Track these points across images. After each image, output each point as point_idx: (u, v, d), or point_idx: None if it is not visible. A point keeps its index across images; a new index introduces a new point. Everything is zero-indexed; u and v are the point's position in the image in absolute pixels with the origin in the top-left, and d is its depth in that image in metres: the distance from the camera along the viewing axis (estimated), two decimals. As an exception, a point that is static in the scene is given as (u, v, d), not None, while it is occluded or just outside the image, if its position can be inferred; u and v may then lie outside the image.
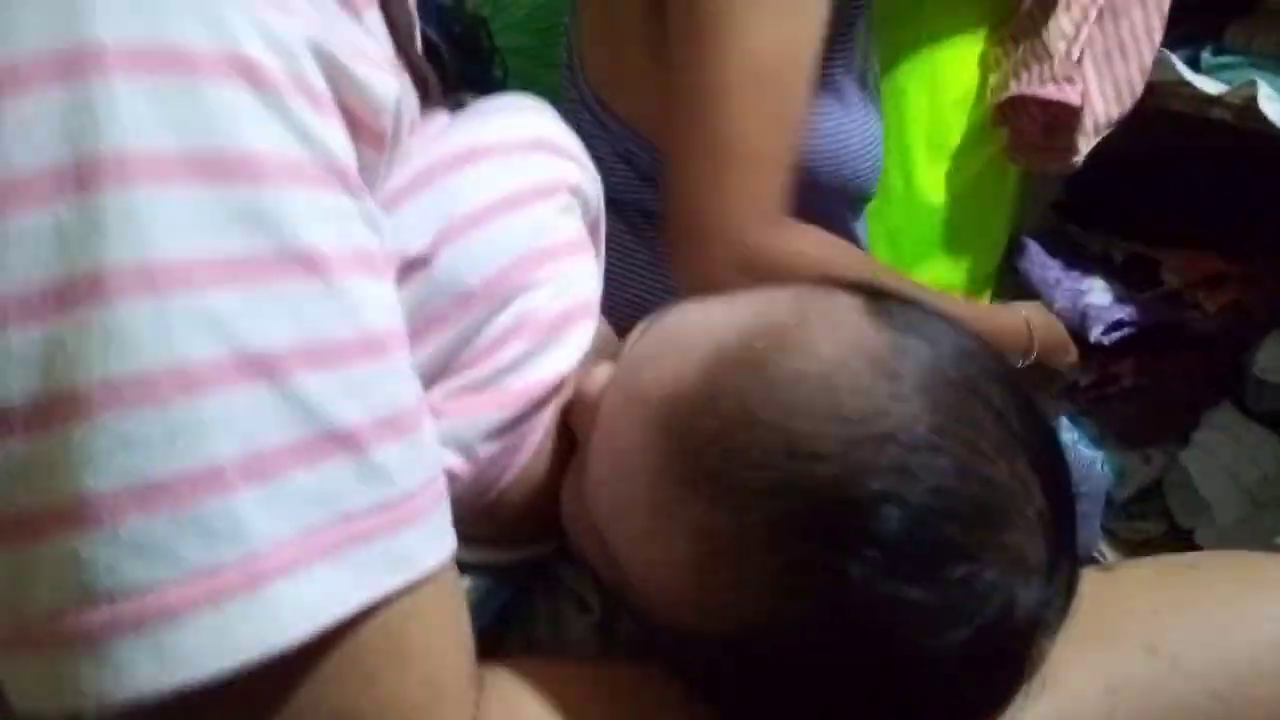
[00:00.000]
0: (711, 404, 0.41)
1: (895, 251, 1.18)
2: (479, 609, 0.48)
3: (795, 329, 0.43)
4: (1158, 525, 1.36)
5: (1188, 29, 1.13)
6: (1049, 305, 1.33)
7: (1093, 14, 1.09)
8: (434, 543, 0.36)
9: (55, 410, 0.29)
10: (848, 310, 0.44)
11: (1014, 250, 1.38)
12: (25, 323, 0.29)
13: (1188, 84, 1.12)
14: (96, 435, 0.29)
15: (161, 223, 0.30)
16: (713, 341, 0.43)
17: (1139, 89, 1.14)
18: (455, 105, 0.50)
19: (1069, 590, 0.43)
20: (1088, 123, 1.15)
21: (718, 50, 0.73)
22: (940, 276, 1.22)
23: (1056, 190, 1.39)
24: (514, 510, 0.48)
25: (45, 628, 0.30)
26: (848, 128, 0.90)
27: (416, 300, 0.42)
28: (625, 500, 0.44)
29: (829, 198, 0.91)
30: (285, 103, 0.32)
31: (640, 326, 0.51)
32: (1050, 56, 1.12)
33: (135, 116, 0.30)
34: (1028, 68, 1.14)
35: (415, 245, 0.42)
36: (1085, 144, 1.16)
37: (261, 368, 0.31)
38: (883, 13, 1.20)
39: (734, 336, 0.43)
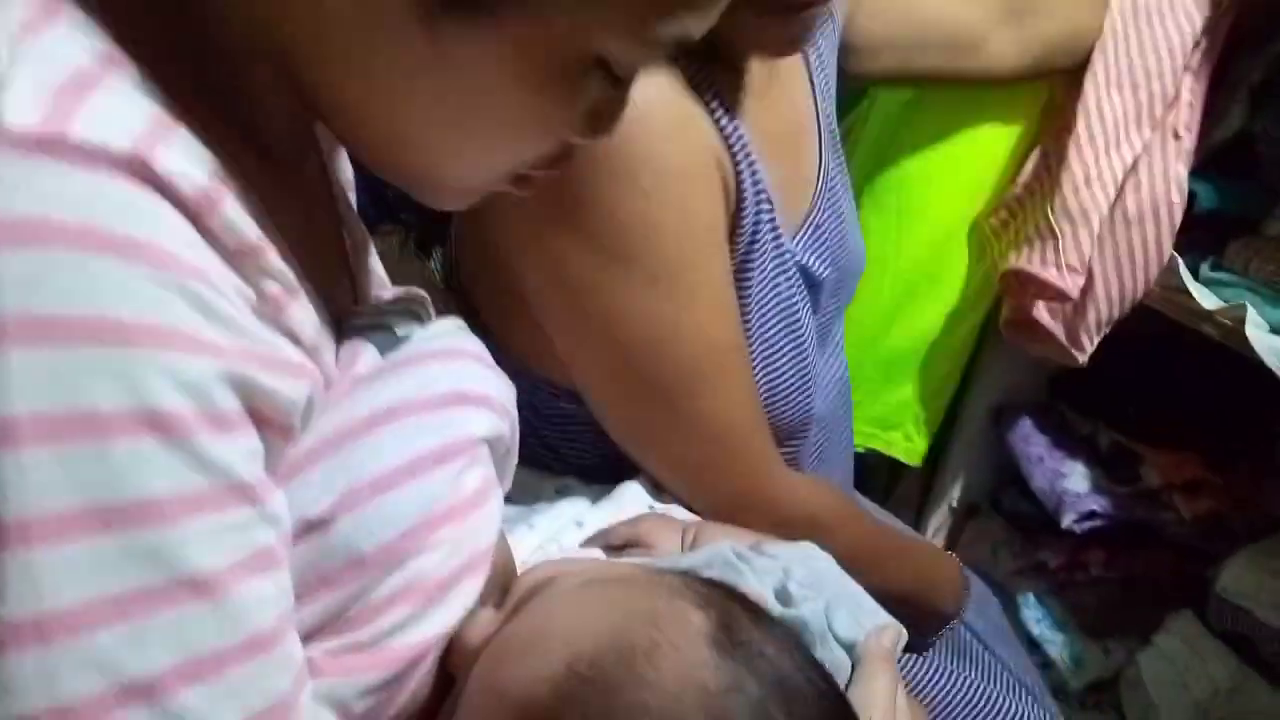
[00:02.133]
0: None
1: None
2: None
3: (643, 655, 0.47)
4: (1108, 718, 1.33)
5: (1192, 238, 1.13)
6: (1028, 480, 1.33)
7: (1103, 203, 1.10)
8: None
9: None
10: (695, 637, 0.48)
11: (1003, 421, 1.38)
12: None
13: (1186, 292, 1.12)
14: None
15: (57, 577, 0.33)
16: (569, 652, 0.47)
17: (1140, 294, 1.14)
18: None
19: None
20: (1090, 319, 1.16)
21: (675, 341, 0.73)
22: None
23: (1055, 366, 1.38)
24: None
25: None
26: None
27: (310, 560, 0.45)
28: None
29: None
30: (192, 441, 0.36)
31: (524, 586, 0.55)
32: (1055, 237, 1.12)
33: (42, 483, 0.33)
34: (1030, 244, 1.15)
35: (315, 509, 0.45)
36: (1089, 340, 1.16)
37: (141, 692, 0.35)
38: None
39: (589, 649, 0.47)
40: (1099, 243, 1.12)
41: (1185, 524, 1.26)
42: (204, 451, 0.36)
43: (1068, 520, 1.28)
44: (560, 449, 0.85)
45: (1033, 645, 1.36)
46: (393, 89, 0.44)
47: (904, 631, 0.61)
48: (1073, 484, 1.30)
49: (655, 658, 0.47)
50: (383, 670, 0.47)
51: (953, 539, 1.46)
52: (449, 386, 0.51)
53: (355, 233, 0.61)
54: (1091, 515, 1.28)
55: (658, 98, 0.70)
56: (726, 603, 0.51)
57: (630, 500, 0.77)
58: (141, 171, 0.36)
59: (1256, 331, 1.08)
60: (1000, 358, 1.36)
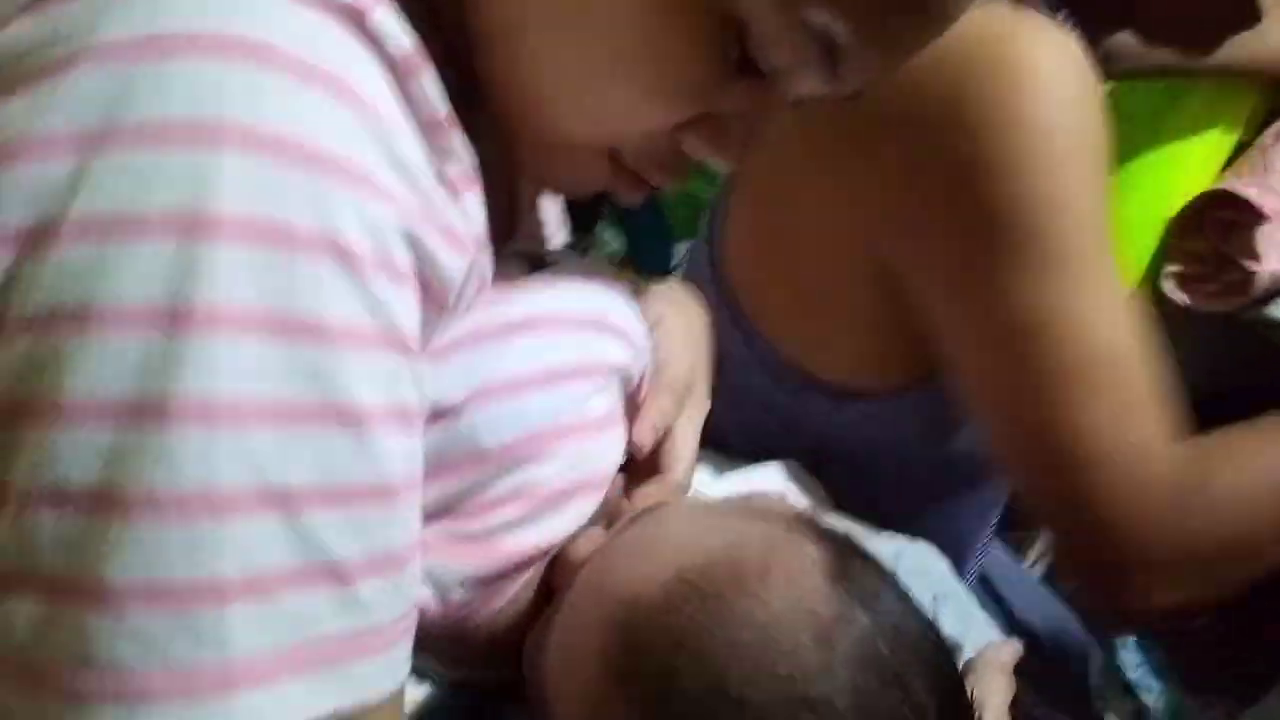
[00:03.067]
0: (663, 620, 0.45)
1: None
2: (432, 714, 0.52)
3: (755, 572, 0.46)
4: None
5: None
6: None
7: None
8: (388, 674, 0.40)
9: (102, 504, 0.34)
10: (810, 566, 0.48)
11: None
12: (99, 425, 0.34)
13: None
14: (128, 535, 0.34)
15: (231, 368, 0.34)
16: (681, 560, 0.47)
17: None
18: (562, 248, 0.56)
19: None
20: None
21: (1084, 281, 0.64)
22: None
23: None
24: (480, 640, 0.51)
25: (40, 674, 0.34)
26: None
27: (437, 445, 0.46)
28: (568, 679, 0.49)
29: None
30: (366, 279, 0.37)
31: (632, 512, 0.55)
32: (1269, 171, 1.06)
33: (233, 278, 0.35)
34: (1238, 174, 1.09)
35: (450, 397, 0.46)
36: (1269, 262, 1.05)
37: (280, 500, 0.35)
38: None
39: (701, 560, 0.47)
40: None
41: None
42: (376, 292, 0.38)
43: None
44: (766, 443, 0.80)
45: (1127, 691, 1.29)
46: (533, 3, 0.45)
47: (1021, 650, 0.59)
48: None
49: (768, 577, 0.46)
50: (486, 563, 0.48)
51: (1056, 569, 1.40)
52: (592, 310, 0.53)
53: (530, 189, 0.62)
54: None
55: (1083, 69, 0.63)
56: (844, 545, 0.51)
57: (763, 480, 0.76)
58: (358, 21, 0.38)
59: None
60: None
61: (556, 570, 0.52)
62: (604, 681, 0.46)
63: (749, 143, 0.49)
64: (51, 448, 0.34)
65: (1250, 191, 1.04)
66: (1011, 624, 1.07)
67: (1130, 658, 1.31)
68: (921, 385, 0.77)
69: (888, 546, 0.60)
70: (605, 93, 0.46)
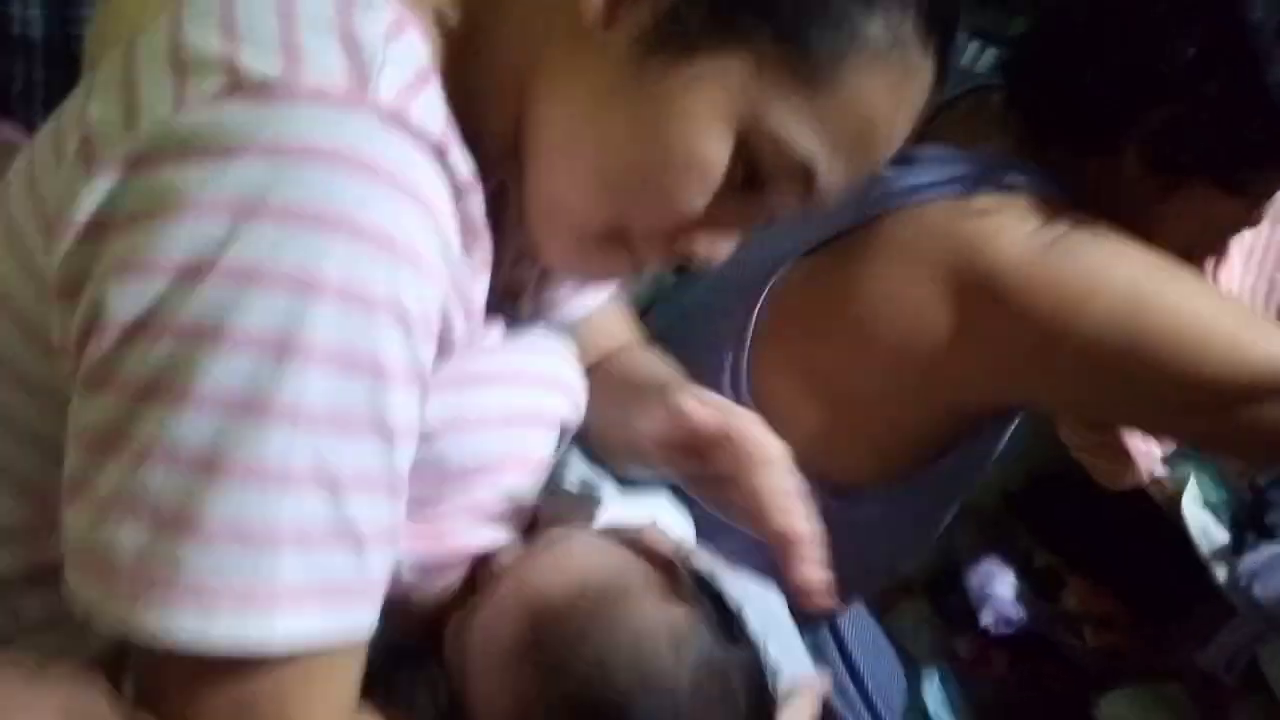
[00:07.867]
0: (565, 614, 0.61)
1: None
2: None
3: (636, 591, 0.63)
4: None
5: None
6: (962, 574, 1.47)
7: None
8: (371, 620, 0.53)
9: (210, 465, 0.46)
10: (675, 593, 0.64)
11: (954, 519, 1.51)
12: (215, 411, 0.46)
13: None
14: (224, 488, 0.46)
15: (313, 384, 0.47)
16: (587, 572, 0.64)
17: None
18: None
19: None
20: None
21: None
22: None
23: (1015, 481, 1.51)
24: (413, 618, 0.64)
25: (126, 574, 0.47)
26: None
27: (413, 460, 0.57)
28: (488, 654, 0.63)
29: None
30: (414, 337, 0.51)
31: (553, 533, 0.70)
32: None
33: (326, 322, 0.47)
34: None
35: (430, 424, 0.57)
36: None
37: (331, 482, 0.49)
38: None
39: (600, 576, 0.63)
40: None
41: (1085, 651, 1.39)
42: (417, 346, 0.51)
43: (985, 619, 1.42)
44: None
45: (925, 717, 1.49)
46: (580, 110, 0.57)
47: (830, 684, 0.77)
48: (1000, 589, 1.44)
49: (645, 594, 0.63)
50: (432, 555, 0.62)
51: (885, 609, 1.59)
52: (548, 370, 0.67)
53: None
54: (1008, 622, 1.42)
55: None
56: (701, 581, 0.66)
57: (654, 504, 0.86)
58: (440, 154, 0.52)
59: (1191, 505, 1.21)
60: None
61: (481, 572, 0.66)
62: (516, 657, 0.60)
63: (729, 237, 0.62)
64: (174, 420, 0.46)
65: None
66: (843, 656, 1.27)
67: (932, 688, 1.51)
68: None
69: (739, 585, 0.76)
70: (636, 191, 0.58)
